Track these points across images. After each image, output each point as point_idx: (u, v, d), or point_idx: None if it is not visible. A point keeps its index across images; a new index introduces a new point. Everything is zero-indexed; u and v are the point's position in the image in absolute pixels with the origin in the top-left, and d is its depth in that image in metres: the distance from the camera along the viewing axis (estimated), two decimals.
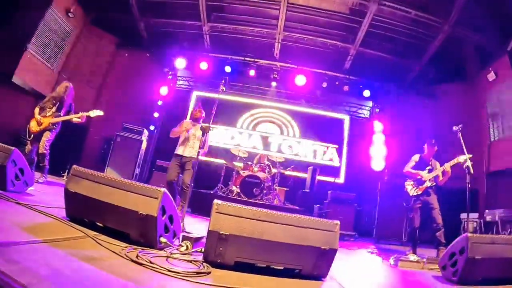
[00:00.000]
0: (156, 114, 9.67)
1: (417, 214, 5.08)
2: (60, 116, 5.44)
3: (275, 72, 9.76)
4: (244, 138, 10.38)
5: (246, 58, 9.69)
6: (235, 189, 7.45)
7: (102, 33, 10.03)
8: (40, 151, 5.28)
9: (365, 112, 10.62)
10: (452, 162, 4.86)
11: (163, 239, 2.53)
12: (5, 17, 9.46)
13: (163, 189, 2.50)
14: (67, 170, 7.46)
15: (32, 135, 5.32)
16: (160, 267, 1.94)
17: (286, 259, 2.43)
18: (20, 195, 3.36)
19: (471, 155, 4.62)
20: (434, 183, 5.09)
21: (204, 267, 2.21)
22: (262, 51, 9.91)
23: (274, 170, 7.97)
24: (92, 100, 9.62)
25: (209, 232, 2.33)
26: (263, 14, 9.26)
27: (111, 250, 2.12)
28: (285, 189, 8.33)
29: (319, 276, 2.50)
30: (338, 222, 2.55)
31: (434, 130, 8.23)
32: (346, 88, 9.59)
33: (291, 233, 2.41)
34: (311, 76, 9.54)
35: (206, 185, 7.98)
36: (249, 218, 2.37)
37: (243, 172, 7.54)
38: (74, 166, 2.81)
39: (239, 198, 7.10)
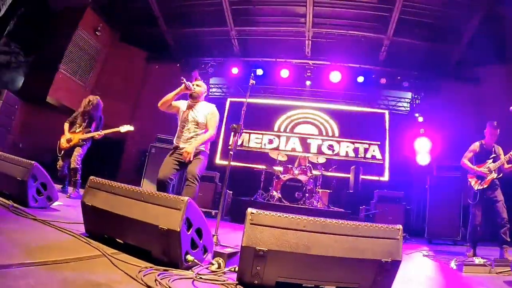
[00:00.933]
0: None
1: (479, 210, 4.65)
2: (90, 131, 5.52)
3: (308, 71, 9.52)
4: (283, 141, 10.24)
5: (278, 59, 9.53)
6: (276, 194, 7.26)
7: (131, 48, 10.25)
8: (72, 166, 5.36)
9: (405, 105, 10.15)
10: None
11: (190, 257, 2.19)
12: (37, 42, 9.88)
13: (187, 198, 2.16)
14: None
15: (62, 151, 5.44)
16: None
17: (339, 277, 2.03)
18: (43, 210, 3.31)
19: None
20: (501, 174, 4.62)
21: None
22: (293, 51, 9.73)
23: (315, 172, 7.73)
24: (127, 115, 9.81)
25: (242, 248, 1.97)
26: (290, 12, 9.08)
27: (125, 273, 1.84)
28: (328, 191, 8.02)
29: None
30: (400, 227, 2.13)
31: (480, 115, 7.75)
32: (383, 80, 9.18)
33: (344, 244, 1.99)
34: (345, 71, 9.23)
35: (245, 192, 7.86)
36: (291, 229, 1.99)
37: (284, 176, 7.35)
38: (91, 177, 2.62)
39: (281, 204, 6.92)
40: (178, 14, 9.40)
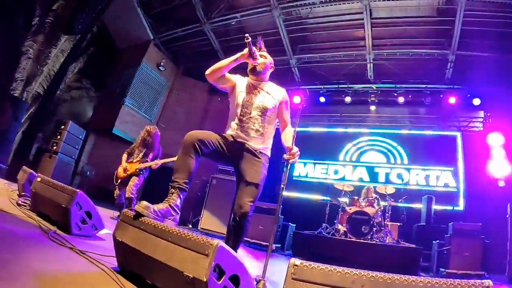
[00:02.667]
0: None
1: None
2: (147, 161, 5.67)
3: (372, 95, 9.34)
4: (349, 171, 10.00)
5: (340, 86, 9.47)
6: (342, 228, 7.05)
7: (194, 82, 10.78)
8: (126, 195, 5.49)
9: (477, 125, 9.45)
10: None
11: None
12: (105, 78, 10.76)
13: (217, 242, 1.79)
14: None
15: (119, 180, 5.65)
16: None
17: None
18: (86, 239, 3.23)
19: None
20: None
21: None
22: (355, 75, 9.69)
23: (383, 204, 7.37)
24: None
25: None
26: (348, 36, 9.13)
27: None
28: (398, 224, 7.61)
29: None
30: (491, 283, 1.39)
31: None
32: (452, 100, 8.73)
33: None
34: (411, 93, 8.95)
35: (309, 225, 7.72)
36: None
37: (350, 209, 7.11)
38: (125, 210, 2.49)
39: (347, 239, 6.68)
40: (238, 46, 9.71)
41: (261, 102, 2.76)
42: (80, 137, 7.45)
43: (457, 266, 5.99)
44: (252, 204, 2.61)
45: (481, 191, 8.39)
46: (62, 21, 10.36)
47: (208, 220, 7.61)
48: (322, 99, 9.36)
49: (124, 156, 5.85)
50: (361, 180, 9.58)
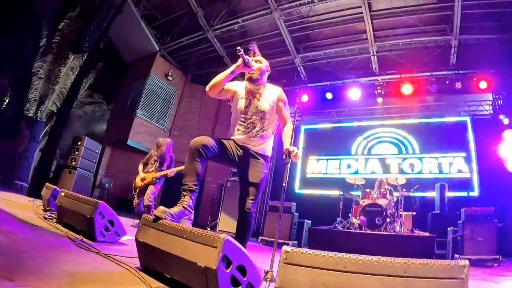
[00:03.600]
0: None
1: None
2: (162, 170, 6.07)
3: (378, 87, 9.46)
4: (361, 164, 10.21)
5: (345, 80, 9.68)
6: (356, 221, 7.26)
7: (203, 88, 11.04)
8: (145, 203, 5.86)
9: (487, 108, 9.51)
10: None
11: None
12: (115, 92, 11.17)
13: (224, 236, 2.07)
14: None
15: (137, 190, 6.05)
16: None
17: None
18: (110, 245, 3.49)
19: None
20: None
21: None
22: (360, 69, 9.90)
23: (396, 194, 7.53)
24: None
25: None
26: (350, 31, 9.34)
27: None
28: (412, 213, 7.77)
29: None
30: (467, 262, 1.62)
31: None
32: (458, 85, 8.76)
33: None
34: (417, 82, 9.07)
35: (324, 220, 7.93)
36: (330, 270, 1.77)
37: (362, 201, 7.32)
38: (145, 215, 2.84)
39: (361, 231, 6.88)
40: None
41: (259, 107, 3.02)
42: (97, 151, 7.82)
43: (471, 251, 6.02)
44: (253, 202, 2.94)
45: (495, 175, 8.43)
46: (69, 40, 10.83)
47: (225, 222, 7.93)
48: (329, 96, 9.56)
49: (140, 166, 6.24)
50: (373, 172, 9.78)
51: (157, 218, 2.57)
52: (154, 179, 5.99)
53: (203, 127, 10.92)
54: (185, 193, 2.78)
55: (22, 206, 5.09)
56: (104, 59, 11.95)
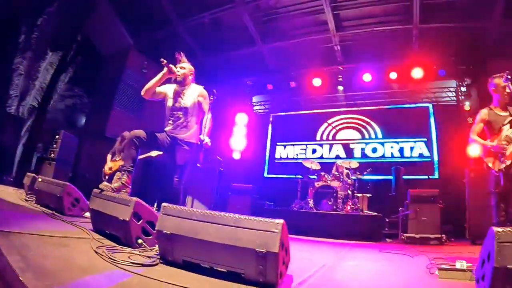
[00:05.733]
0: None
1: (505, 200, 3.90)
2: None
3: (340, 76, 10.85)
4: (326, 150, 11.70)
5: (310, 69, 10.99)
6: (311, 202, 8.58)
7: None
8: None
9: (450, 95, 10.83)
10: None
11: (140, 240, 3.27)
12: (93, 85, 12.52)
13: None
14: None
15: (106, 177, 7.46)
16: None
17: (226, 262, 2.56)
18: (76, 218, 4.64)
19: None
20: None
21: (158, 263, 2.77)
22: (325, 58, 11.18)
23: (353, 178, 8.82)
24: None
25: (157, 231, 2.86)
26: (313, 21, 10.47)
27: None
28: (368, 195, 9.08)
29: (269, 284, 2.41)
30: (281, 221, 2.48)
31: None
32: (419, 72, 10.02)
33: (226, 233, 2.54)
34: (379, 70, 10.38)
35: (286, 202, 9.34)
36: (187, 219, 2.75)
37: (317, 184, 8.66)
38: (94, 189, 3.99)
39: (314, 211, 8.22)
40: (211, 42, 11.37)
41: (183, 104, 4.22)
42: (74, 144, 9.25)
43: (415, 230, 6.95)
44: (180, 180, 4.25)
45: (457, 160, 9.45)
46: (47, 35, 12.13)
47: (194, 205, 9.26)
48: (292, 84, 11.06)
49: (109, 156, 7.69)
50: (338, 157, 11.22)
51: (101, 190, 3.97)
52: (120, 167, 7.39)
53: None
54: (124, 172, 4.19)
55: (7, 194, 6.55)
56: (82, 53, 13.25)
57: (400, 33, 10.17)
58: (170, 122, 4.23)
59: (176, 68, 4.22)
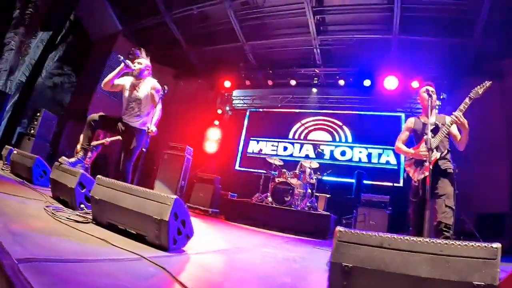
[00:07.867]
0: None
1: (417, 211, 4.13)
2: (98, 140, 8.33)
3: (315, 78, 12.23)
4: (297, 148, 12.99)
5: (289, 69, 12.24)
6: (269, 196, 9.64)
7: (160, 67, 13.67)
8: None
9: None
10: (468, 100, 4.10)
11: (82, 205, 4.13)
12: (81, 66, 13.86)
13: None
14: None
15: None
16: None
17: (135, 225, 3.26)
18: (44, 187, 5.66)
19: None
20: (446, 150, 4.22)
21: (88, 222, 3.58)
22: (304, 60, 12.57)
23: (314, 177, 9.93)
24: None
25: (96, 199, 3.60)
26: (296, 23, 11.66)
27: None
28: (327, 195, 10.29)
29: (162, 246, 3.09)
30: (175, 197, 3.14)
31: (505, 112, 9.30)
32: (394, 82, 11.05)
33: (137, 203, 3.24)
34: (355, 76, 11.60)
35: (249, 195, 10.45)
36: (113, 189, 3.52)
37: (278, 180, 9.79)
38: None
39: (270, 206, 9.24)
40: (198, 35, 12.77)
41: (137, 96, 5.05)
42: (54, 122, 10.59)
43: None
44: (128, 162, 5.18)
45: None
46: (40, 13, 13.45)
47: (160, 189, 10.45)
48: (270, 82, 12.42)
49: (81, 137, 8.95)
50: (307, 156, 12.51)
51: (60, 163, 5.29)
52: (92, 147, 8.70)
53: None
54: (80, 150, 5.51)
55: None
56: (73, 33, 14.59)
57: (379, 43, 11.31)
58: (126, 111, 5.09)
59: (134, 63, 5.05)
